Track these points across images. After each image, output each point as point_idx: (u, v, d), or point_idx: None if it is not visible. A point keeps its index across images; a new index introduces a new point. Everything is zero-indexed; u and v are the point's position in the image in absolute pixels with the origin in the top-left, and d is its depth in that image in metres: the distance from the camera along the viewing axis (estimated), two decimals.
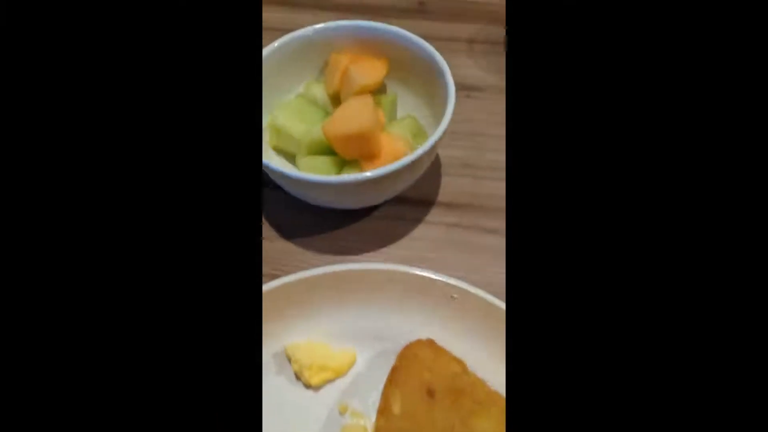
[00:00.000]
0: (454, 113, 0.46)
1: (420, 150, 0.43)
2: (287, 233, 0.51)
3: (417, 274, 0.43)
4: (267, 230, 0.51)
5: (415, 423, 0.37)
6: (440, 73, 0.48)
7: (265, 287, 0.42)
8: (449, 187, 0.53)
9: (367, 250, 0.50)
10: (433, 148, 0.44)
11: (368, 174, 0.42)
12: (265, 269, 0.49)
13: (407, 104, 0.54)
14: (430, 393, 0.38)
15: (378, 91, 0.52)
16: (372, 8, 0.69)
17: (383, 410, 0.37)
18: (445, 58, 0.49)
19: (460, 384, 0.38)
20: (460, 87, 0.52)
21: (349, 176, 0.42)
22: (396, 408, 0.37)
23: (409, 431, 0.37)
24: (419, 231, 0.51)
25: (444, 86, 0.47)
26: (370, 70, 0.50)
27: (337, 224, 0.51)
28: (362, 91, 0.49)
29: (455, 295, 0.42)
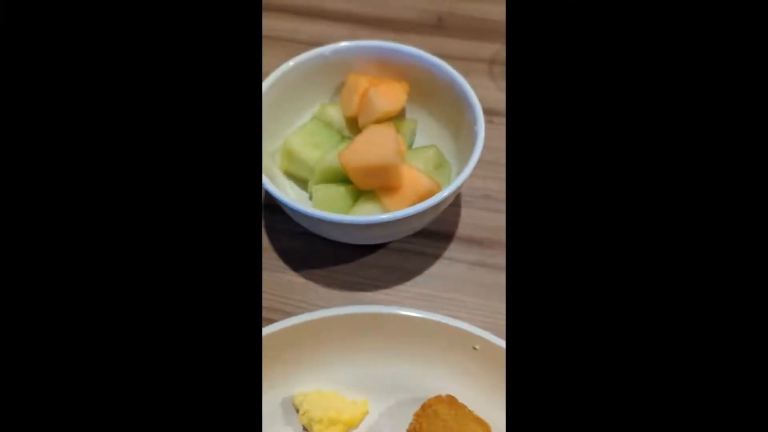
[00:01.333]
0: None
1: (447, 190, 0.40)
2: (294, 265, 0.48)
3: (436, 321, 0.40)
4: (273, 260, 0.48)
5: None
6: (466, 102, 0.45)
7: (271, 328, 0.39)
8: (469, 219, 0.50)
9: (382, 287, 0.47)
10: (460, 187, 0.41)
11: (389, 216, 0.39)
12: (269, 303, 0.46)
13: (427, 129, 0.51)
14: None
15: (397, 115, 0.49)
16: (387, 22, 0.66)
17: None
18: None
19: None
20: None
21: (369, 218, 0.39)
22: None
23: None
24: (437, 267, 0.48)
25: (471, 118, 0.44)
26: (391, 95, 0.46)
27: (350, 257, 0.48)
28: (383, 118, 0.46)
29: (477, 346, 0.39)
